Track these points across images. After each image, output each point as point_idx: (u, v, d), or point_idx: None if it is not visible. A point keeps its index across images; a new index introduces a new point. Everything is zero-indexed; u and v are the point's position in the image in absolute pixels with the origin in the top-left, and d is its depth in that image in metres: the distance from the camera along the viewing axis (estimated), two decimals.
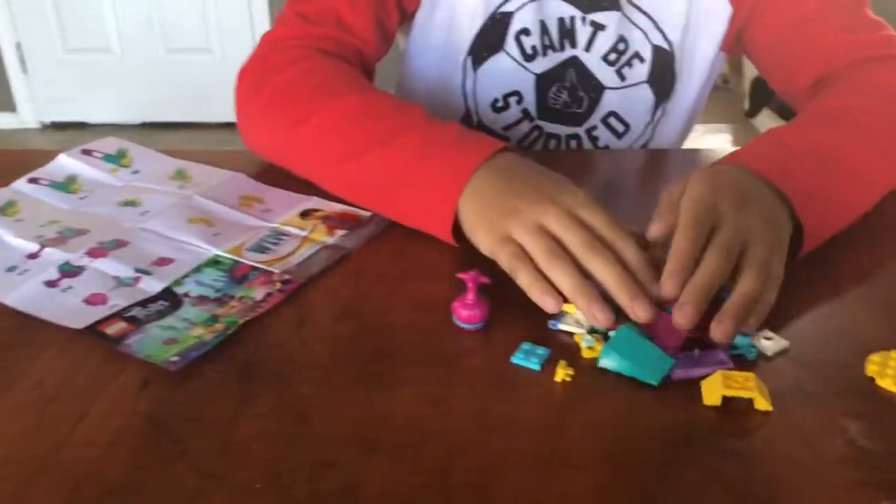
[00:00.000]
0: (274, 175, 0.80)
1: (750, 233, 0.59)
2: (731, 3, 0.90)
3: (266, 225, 0.72)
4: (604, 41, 0.91)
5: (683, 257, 0.56)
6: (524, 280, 0.58)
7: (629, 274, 0.57)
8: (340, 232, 0.71)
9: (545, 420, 0.51)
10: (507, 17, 0.90)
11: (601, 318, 0.56)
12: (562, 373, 0.54)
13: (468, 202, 0.65)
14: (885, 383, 0.53)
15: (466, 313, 0.58)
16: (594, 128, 0.97)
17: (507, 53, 0.92)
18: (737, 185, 0.63)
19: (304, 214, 0.73)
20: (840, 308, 0.63)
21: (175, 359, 0.54)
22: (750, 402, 0.51)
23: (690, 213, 0.59)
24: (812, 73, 0.86)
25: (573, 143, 0.99)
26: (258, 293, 0.62)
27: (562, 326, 0.58)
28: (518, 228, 0.60)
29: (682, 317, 0.54)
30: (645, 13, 0.91)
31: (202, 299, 0.61)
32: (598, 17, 0.90)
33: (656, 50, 0.93)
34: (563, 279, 0.57)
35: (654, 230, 0.61)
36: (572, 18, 0.91)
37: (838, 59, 0.84)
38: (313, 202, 0.75)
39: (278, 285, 0.63)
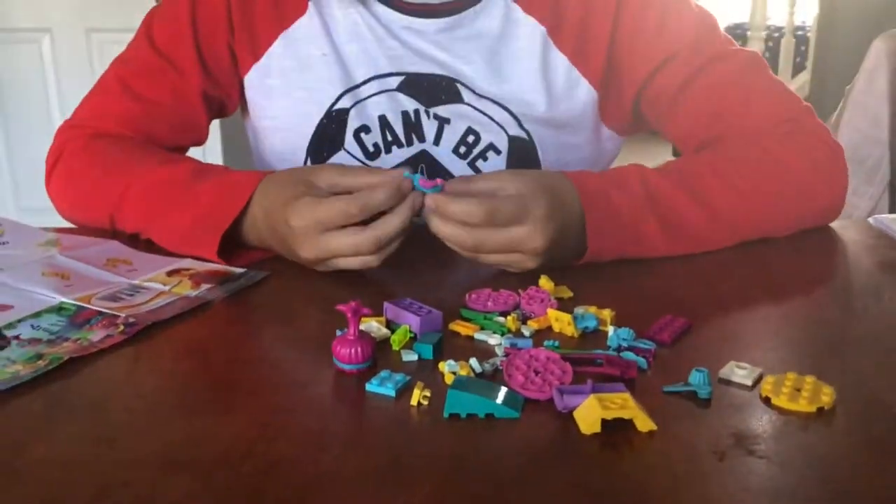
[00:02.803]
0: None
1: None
2: (593, 86, 0.84)
3: (126, 281, 0.67)
4: (451, 134, 0.85)
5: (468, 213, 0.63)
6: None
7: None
8: (206, 286, 0.66)
9: (389, 439, 0.44)
10: (344, 113, 0.84)
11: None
12: (418, 394, 0.48)
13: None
14: (779, 402, 0.48)
15: (346, 352, 0.52)
16: None
17: (348, 152, 0.85)
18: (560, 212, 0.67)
19: (172, 273, 0.69)
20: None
21: None
22: (632, 425, 0.45)
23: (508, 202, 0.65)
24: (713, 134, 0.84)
25: None
26: (96, 336, 0.56)
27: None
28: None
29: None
30: (497, 103, 0.84)
31: (34, 341, 0.56)
32: (441, 110, 0.84)
33: (513, 140, 0.84)
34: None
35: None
36: (416, 112, 0.84)
37: (742, 125, 0.83)
38: (185, 262, 0.71)
39: (121, 328, 0.57)
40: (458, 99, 0.84)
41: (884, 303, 0.65)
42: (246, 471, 0.41)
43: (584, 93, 0.85)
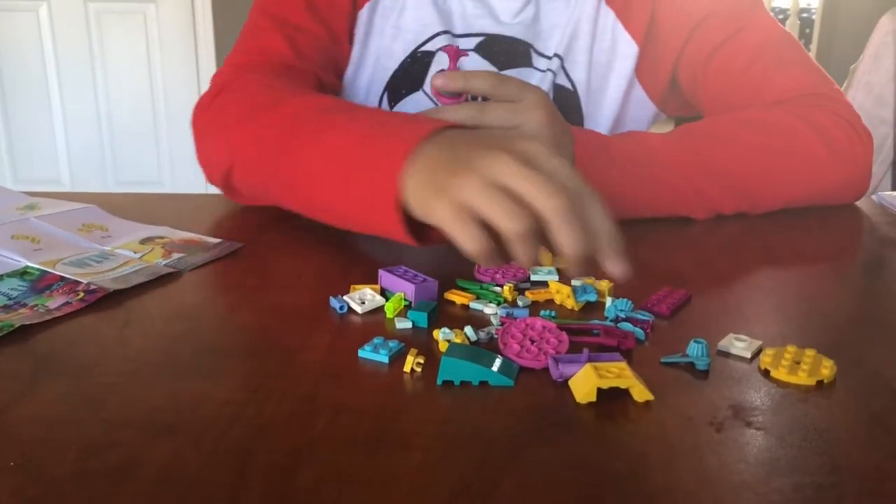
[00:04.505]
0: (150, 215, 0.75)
1: None
2: (635, 41, 0.92)
3: (97, 247, 0.66)
4: None
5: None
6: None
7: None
8: (178, 255, 0.65)
9: (381, 405, 0.44)
10: (429, 56, 0.90)
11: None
12: (411, 361, 0.47)
13: (413, 177, 0.55)
14: (778, 374, 0.47)
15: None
16: None
17: (425, 92, 0.91)
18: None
19: (146, 241, 0.68)
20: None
21: None
22: (628, 395, 0.44)
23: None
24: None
25: None
26: (54, 302, 0.55)
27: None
28: (470, 186, 0.51)
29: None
30: (550, 57, 0.92)
31: None
32: (512, 72, 0.92)
33: (558, 90, 0.93)
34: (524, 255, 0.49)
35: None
36: None
37: (772, 96, 0.86)
38: (160, 230, 0.70)
39: (81, 294, 0.57)
40: (528, 63, 0.92)
41: (885, 278, 0.65)
42: (234, 435, 0.41)
43: (624, 45, 0.92)
